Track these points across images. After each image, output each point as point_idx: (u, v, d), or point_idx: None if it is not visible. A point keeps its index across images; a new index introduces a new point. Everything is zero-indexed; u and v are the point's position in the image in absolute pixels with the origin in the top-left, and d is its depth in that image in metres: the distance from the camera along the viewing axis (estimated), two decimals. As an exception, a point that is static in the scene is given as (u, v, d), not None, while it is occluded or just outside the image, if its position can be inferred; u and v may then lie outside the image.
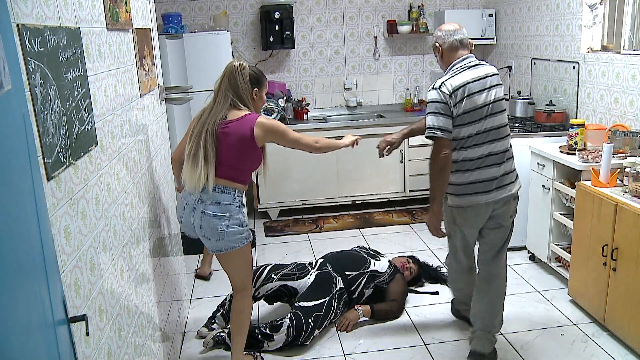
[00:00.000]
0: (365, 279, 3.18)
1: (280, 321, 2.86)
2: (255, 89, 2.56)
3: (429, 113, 2.51)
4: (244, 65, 2.53)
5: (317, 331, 2.92)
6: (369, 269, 3.20)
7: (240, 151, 2.47)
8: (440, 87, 2.50)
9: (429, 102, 2.52)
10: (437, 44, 2.65)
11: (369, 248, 3.58)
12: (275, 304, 3.23)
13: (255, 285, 3.04)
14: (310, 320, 2.86)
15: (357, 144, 2.82)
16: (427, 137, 2.53)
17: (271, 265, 3.14)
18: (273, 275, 3.06)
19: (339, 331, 3.07)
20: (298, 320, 2.84)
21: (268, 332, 2.85)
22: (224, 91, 2.51)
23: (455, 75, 2.52)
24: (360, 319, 3.12)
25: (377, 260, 3.28)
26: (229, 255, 2.53)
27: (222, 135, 2.44)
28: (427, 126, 2.51)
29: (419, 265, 3.59)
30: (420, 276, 3.57)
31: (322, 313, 2.92)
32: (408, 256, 3.63)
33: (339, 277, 3.11)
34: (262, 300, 3.13)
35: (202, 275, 3.82)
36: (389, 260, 3.36)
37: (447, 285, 3.57)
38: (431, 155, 2.53)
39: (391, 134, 2.99)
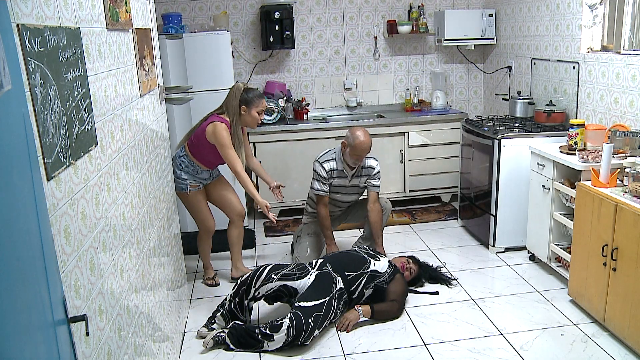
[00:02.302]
0: (365, 279, 3.18)
1: (280, 321, 2.86)
2: (243, 106, 3.38)
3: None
4: (239, 87, 3.40)
5: (317, 331, 2.92)
6: (369, 269, 3.20)
7: (198, 136, 3.43)
8: None
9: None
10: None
11: (369, 248, 3.58)
12: (275, 304, 3.23)
13: (255, 285, 3.04)
14: (310, 320, 2.86)
15: (271, 218, 3.47)
16: None
17: (271, 265, 3.13)
18: (273, 275, 3.05)
19: (338, 331, 3.08)
20: (298, 320, 2.84)
21: (268, 332, 2.85)
22: (223, 100, 3.46)
23: None
24: (360, 319, 3.12)
25: (377, 260, 3.28)
26: (180, 197, 3.54)
27: (201, 124, 3.47)
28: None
29: (419, 265, 3.59)
30: (420, 276, 3.57)
31: (322, 313, 2.92)
32: (408, 256, 3.63)
33: (339, 277, 3.11)
34: (262, 300, 3.13)
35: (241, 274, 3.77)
36: (389, 261, 3.36)
37: (447, 285, 3.57)
38: None
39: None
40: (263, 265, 3.14)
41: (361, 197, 3.98)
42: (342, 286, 3.11)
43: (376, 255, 3.35)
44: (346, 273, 3.15)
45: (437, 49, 5.45)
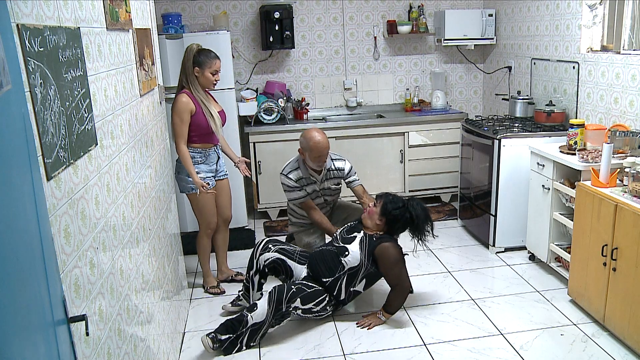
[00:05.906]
0: (345, 281, 3.06)
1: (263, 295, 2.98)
2: (196, 67, 3.29)
3: None
4: (192, 49, 3.29)
5: (300, 303, 2.92)
6: (344, 270, 3.05)
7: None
8: None
9: None
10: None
11: (345, 231, 3.25)
12: None
13: (256, 257, 3.17)
14: (293, 287, 2.94)
15: (205, 190, 3.30)
16: None
17: (270, 238, 3.26)
18: (270, 246, 3.18)
19: (358, 327, 3.10)
20: (281, 287, 2.94)
21: (252, 304, 2.94)
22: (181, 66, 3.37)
23: None
24: (383, 321, 3.13)
25: (346, 256, 3.05)
26: (188, 197, 3.46)
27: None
28: None
29: (382, 201, 3.21)
30: (395, 218, 3.18)
31: (308, 290, 2.98)
32: (376, 197, 3.30)
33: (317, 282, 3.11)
34: (259, 275, 3.17)
35: (225, 279, 3.77)
36: (360, 239, 3.09)
37: (419, 240, 3.23)
38: None
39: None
40: (263, 238, 3.27)
41: (341, 198, 3.91)
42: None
43: (346, 248, 3.09)
44: (323, 280, 3.07)
45: (437, 49, 5.45)
